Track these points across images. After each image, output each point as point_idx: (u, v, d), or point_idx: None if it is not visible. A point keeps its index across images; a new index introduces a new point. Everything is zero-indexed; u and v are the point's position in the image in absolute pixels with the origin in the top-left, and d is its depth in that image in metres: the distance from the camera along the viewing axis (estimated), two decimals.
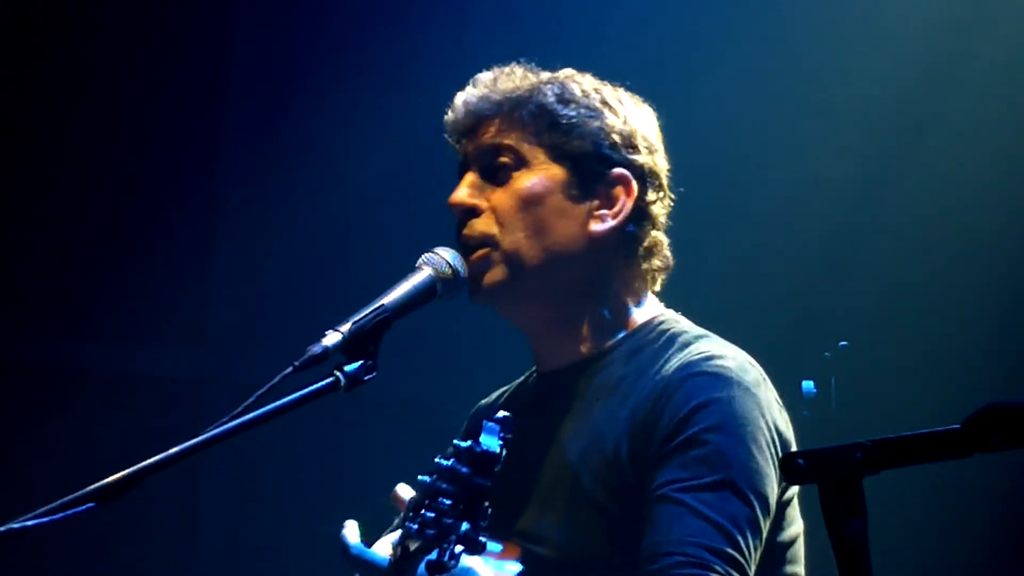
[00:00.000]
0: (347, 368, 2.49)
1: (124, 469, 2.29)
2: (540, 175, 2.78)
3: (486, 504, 2.31)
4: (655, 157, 2.86)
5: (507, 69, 2.88)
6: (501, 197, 2.77)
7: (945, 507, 5.19)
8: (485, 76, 2.88)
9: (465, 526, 2.27)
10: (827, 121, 5.44)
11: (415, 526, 2.32)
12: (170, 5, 5.58)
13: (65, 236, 5.43)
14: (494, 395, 3.04)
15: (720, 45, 5.48)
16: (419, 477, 2.37)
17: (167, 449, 2.33)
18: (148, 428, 5.21)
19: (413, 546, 2.33)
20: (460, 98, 2.86)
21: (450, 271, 2.70)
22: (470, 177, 2.81)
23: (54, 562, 5.02)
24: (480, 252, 2.76)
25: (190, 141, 5.60)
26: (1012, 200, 5.28)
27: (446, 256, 2.72)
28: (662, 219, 2.87)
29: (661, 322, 2.81)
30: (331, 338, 2.50)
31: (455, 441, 2.34)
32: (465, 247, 2.77)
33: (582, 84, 2.85)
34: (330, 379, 2.48)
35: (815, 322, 5.37)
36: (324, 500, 5.24)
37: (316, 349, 2.48)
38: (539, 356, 2.89)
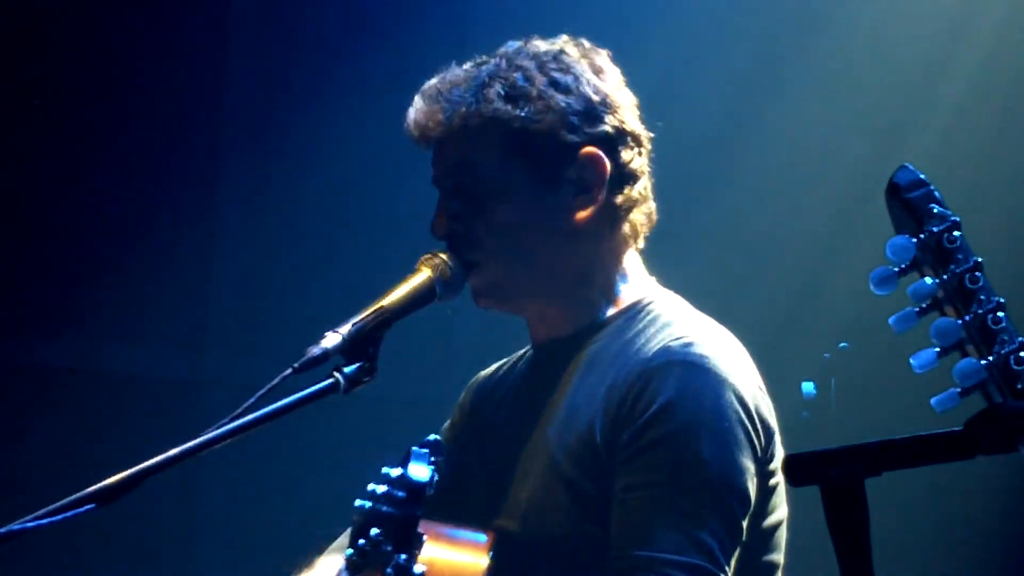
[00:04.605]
0: (347, 370, 2.49)
1: (124, 469, 2.29)
2: (509, 189, 2.74)
3: (419, 533, 2.34)
4: (620, 114, 2.78)
5: (449, 75, 2.80)
6: (478, 219, 2.74)
7: (947, 508, 5.19)
8: (429, 86, 2.80)
9: (402, 557, 2.29)
10: (831, 117, 5.44)
11: (354, 554, 2.34)
12: (171, 7, 5.58)
13: (65, 237, 5.43)
14: (493, 367, 3.05)
15: (724, 41, 5.48)
16: (356, 502, 2.39)
17: (167, 449, 2.33)
18: (148, 428, 5.21)
19: (356, 573, 2.36)
20: (410, 115, 2.80)
21: (449, 273, 2.70)
22: (444, 201, 2.79)
23: (54, 562, 5.02)
24: (474, 271, 2.75)
25: (190, 142, 5.60)
26: (1014, 201, 5.28)
27: (445, 257, 2.72)
28: (643, 168, 2.81)
29: (649, 302, 2.79)
30: (330, 340, 2.49)
31: (383, 469, 2.37)
32: None
33: (527, 68, 2.76)
34: (330, 380, 2.48)
35: (815, 322, 5.37)
36: (324, 500, 5.23)
37: (316, 351, 2.47)
38: (533, 331, 2.89)
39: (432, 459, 2.36)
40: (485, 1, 5.62)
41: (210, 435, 2.36)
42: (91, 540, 5.10)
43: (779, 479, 2.70)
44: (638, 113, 2.83)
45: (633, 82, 2.87)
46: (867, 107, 5.45)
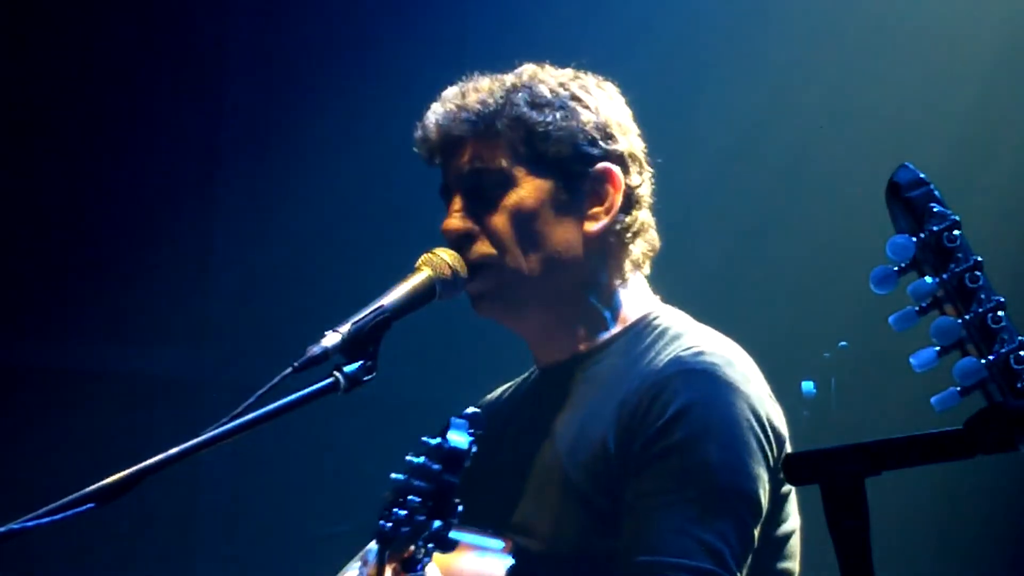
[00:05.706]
0: (347, 369, 2.49)
1: (124, 469, 2.29)
2: (527, 191, 2.77)
3: (456, 501, 2.34)
4: (631, 138, 2.85)
5: (472, 82, 2.85)
6: (494, 219, 2.76)
7: (947, 508, 5.18)
8: (452, 92, 2.84)
9: (437, 524, 2.29)
10: (831, 118, 5.43)
11: (389, 524, 2.33)
12: (171, 7, 5.58)
13: (65, 236, 5.42)
14: (498, 391, 3.05)
15: (725, 45, 5.47)
16: (392, 476, 2.39)
17: (167, 449, 2.33)
18: (148, 428, 5.21)
19: (387, 545, 2.35)
20: (431, 118, 2.83)
21: (449, 272, 2.71)
22: (458, 201, 2.80)
23: (54, 562, 5.02)
24: (481, 272, 2.75)
25: (189, 142, 5.59)
26: (1015, 200, 5.28)
27: (445, 257, 2.72)
28: (647, 197, 2.87)
29: (655, 317, 2.81)
30: (331, 339, 2.50)
31: (423, 439, 2.36)
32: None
33: (549, 82, 2.82)
34: (330, 380, 2.48)
35: (815, 322, 5.36)
36: (324, 501, 5.24)
37: (316, 350, 2.48)
38: (537, 354, 2.90)
39: (471, 431, 2.36)
40: (484, 7, 5.62)
41: (210, 434, 2.37)
42: (91, 540, 5.09)
43: (791, 487, 2.70)
44: (642, 142, 2.89)
45: (633, 93, 2.91)
46: (868, 108, 5.45)
